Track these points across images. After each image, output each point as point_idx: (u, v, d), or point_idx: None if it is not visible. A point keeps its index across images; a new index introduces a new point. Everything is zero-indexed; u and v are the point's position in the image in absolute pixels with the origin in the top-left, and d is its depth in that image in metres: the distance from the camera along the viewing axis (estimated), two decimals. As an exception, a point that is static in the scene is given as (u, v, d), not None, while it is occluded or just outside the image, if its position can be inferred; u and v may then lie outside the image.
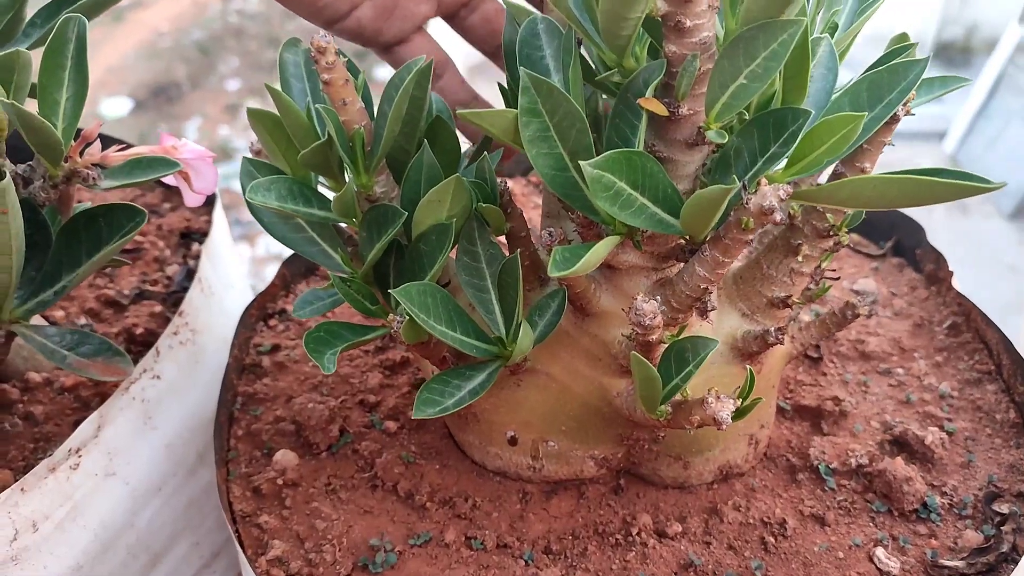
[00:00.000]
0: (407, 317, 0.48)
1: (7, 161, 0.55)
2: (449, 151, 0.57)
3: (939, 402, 0.66)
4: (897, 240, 0.82)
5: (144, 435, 0.64)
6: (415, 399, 0.50)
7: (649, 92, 0.44)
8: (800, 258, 0.53)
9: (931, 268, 0.77)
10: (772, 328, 0.53)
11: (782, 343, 0.54)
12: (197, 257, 0.82)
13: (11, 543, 0.55)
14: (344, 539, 0.57)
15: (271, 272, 0.93)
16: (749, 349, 0.55)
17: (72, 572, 0.60)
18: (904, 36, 0.52)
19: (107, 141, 0.66)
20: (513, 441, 0.60)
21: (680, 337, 0.49)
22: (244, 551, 0.56)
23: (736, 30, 0.44)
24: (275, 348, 0.73)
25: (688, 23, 0.41)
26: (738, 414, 0.47)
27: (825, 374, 0.70)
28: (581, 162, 0.42)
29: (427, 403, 0.50)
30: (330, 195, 0.54)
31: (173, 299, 0.78)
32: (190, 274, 0.80)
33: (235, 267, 0.81)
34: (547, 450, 0.60)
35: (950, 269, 0.74)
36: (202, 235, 0.84)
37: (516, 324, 0.51)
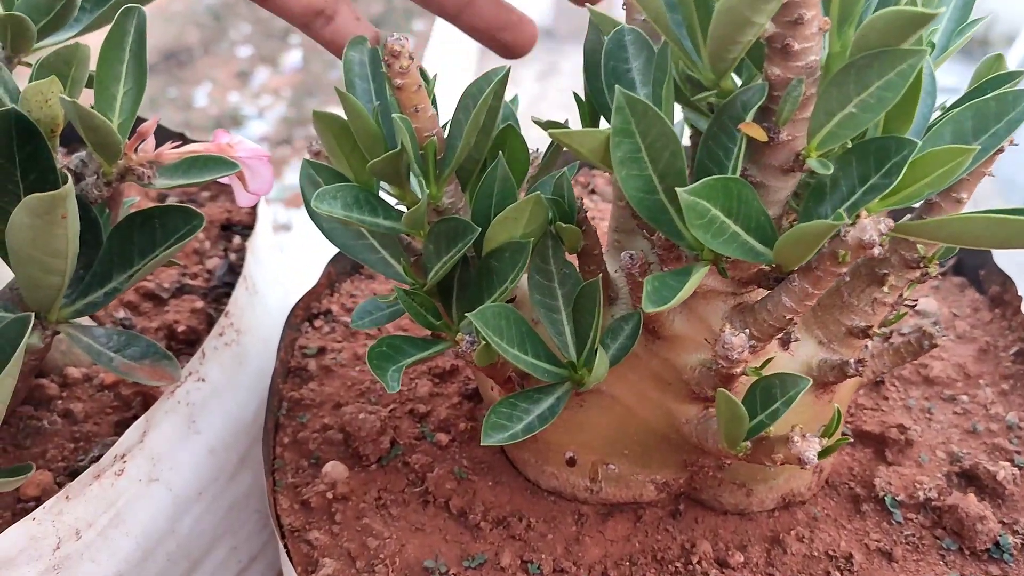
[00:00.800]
0: (482, 341, 0.46)
1: (60, 156, 0.53)
2: (519, 160, 0.54)
3: (1007, 433, 0.64)
4: (959, 259, 0.80)
5: (188, 440, 0.62)
6: (483, 424, 0.48)
7: (749, 116, 0.41)
8: (886, 288, 0.51)
9: (996, 290, 0.75)
10: (852, 360, 0.51)
11: (862, 376, 0.52)
12: (238, 251, 0.80)
13: (54, 551, 0.54)
14: (397, 559, 0.55)
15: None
16: (825, 379, 0.53)
17: (112, 579, 0.59)
18: (999, 59, 0.50)
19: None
20: (571, 462, 0.58)
21: (763, 370, 0.47)
22: (294, 568, 0.54)
23: (842, 53, 0.41)
24: (321, 351, 0.71)
25: (796, 46, 0.39)
26: (822, 453, 0.45)
27: (887, 398, 0.67)
28: (678, 189, 0.40)
29: (496, 428, 0.48)
30: (391, 200, 0.52)
31: (214, 294, 0.76)
32: (231, 268, 0.78)
33: (276, 262, 0.79)
34: (607, 473, 0.58)
35: (1020, 294, 0.72)
36: (243, 228, 0.82)
37: (590, 349, 0.49)
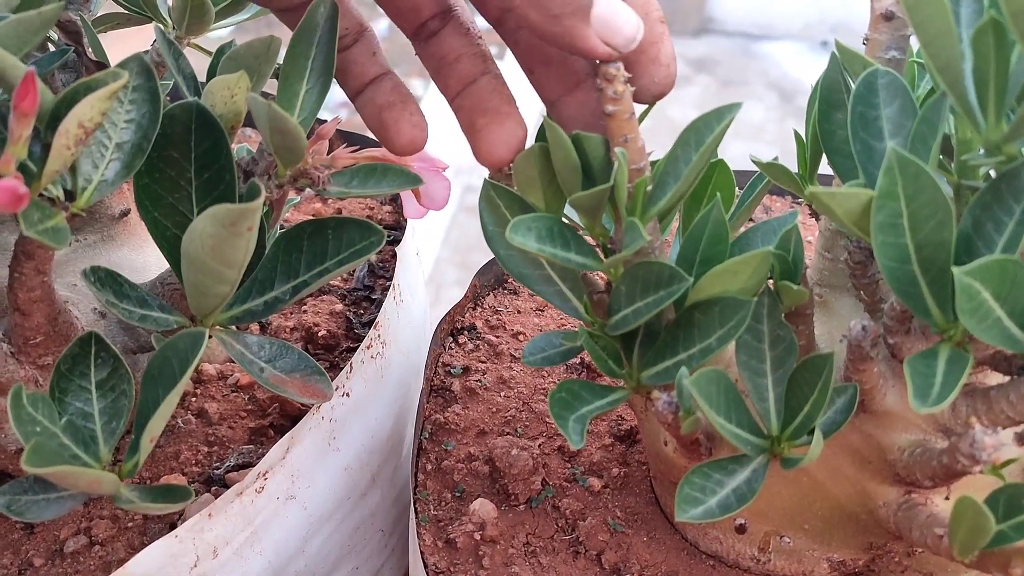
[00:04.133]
0: (694, 410, 0.41)
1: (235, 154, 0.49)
2: (727, 200, 0.50)
3: None
4: None
5: (327, 457, 0.59)
6: (676, 495, 0.43)
7: (1040, 190, 0.36)
8: None
9: None
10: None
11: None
12: (379, 252, 0.76)
13: (191, 569, 0.51)
14: (548, 617, 0.51)
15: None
16: (1051, 476, 0.47)
17: (240, 597, 0.56)
18: None
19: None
20: (741, 529, 0.53)
21: (1004, 473, 0.42)
22: (439, 616, 0.51)
23: None
24: (466, 370, 0.67)
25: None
26: (1069, 574, 0.40)
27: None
28: (955, 269, 0.35)
29: (690, 501, 0.43)
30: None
31: (353, 297, 0.72)
32: (372, 271, 0.74)
33: (417, 268, 0.76)
34: (779, 545, 0.53)
35: None
36: (386, 227, 0.79)
37: (800, 425, 0.44)
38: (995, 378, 0.45)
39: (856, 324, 0.42)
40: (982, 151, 0.39)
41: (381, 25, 3.06)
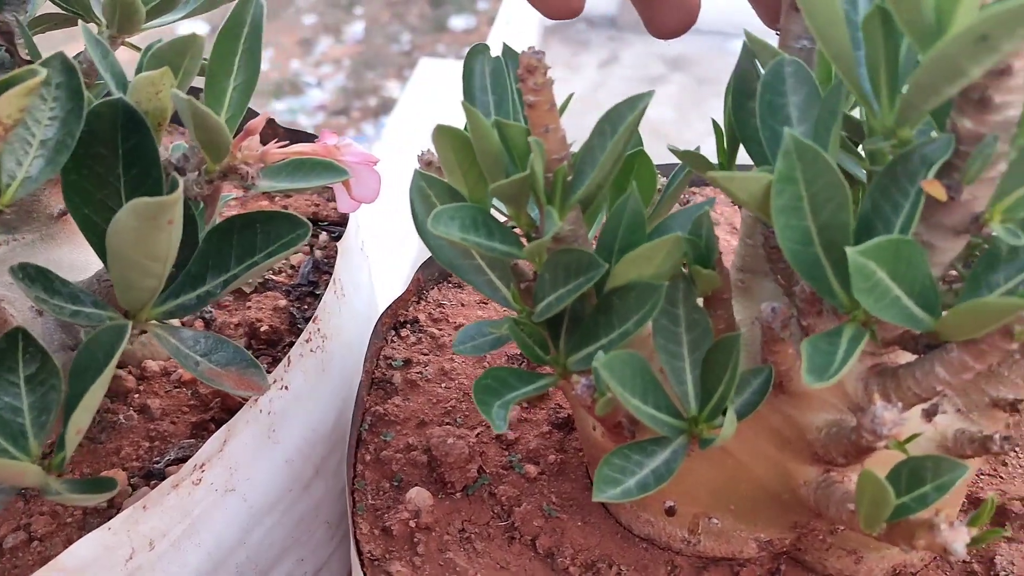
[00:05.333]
0: (607, 393, 0.42)
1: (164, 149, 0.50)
2: (647, 190, 0.51)
3: None
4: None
5: (266, 449, 0.59)
6: (595, 476, 0.44)
7: (931, 172, 0.37)
8: (1046, 363, 0.47)
9: None
10: (998, 435, 0.47)
11: (1006, 454, 0.47)
12: (324, 248, 0.77)
13: (127, 562, 0.51)
14: (481, 601, 0.52)
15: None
16: (961, 452, 0.49)
17: (181, 590, 0.56)
18: None
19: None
20: (671, 512, 0.54)
21: (910, 445, 0.43)
22: (373, 602, 0.51)
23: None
24: (407, 363, 0.68)
25: (997, 99, 0.35)
26: (972, 543, 0.41)
27: (1006, 464, 0.63)
28: (848, 249, 0.36)
29: (608, 482, 0.44)
30: (501, 219, 0.49)
31: (297, 293, 0.73)
32: (316, 266, 0.75)
33: (362, 263, 0.76)
34: (708, 526, 0.54)
35: None
36: (331, 224, 0.79)
37: (716, 406, 0.45)
38: (906, 358, 0.47)
39: (766, 307, 0.43)
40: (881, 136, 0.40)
41: (356, 28, 3.07)
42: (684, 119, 2.51)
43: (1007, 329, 0.38)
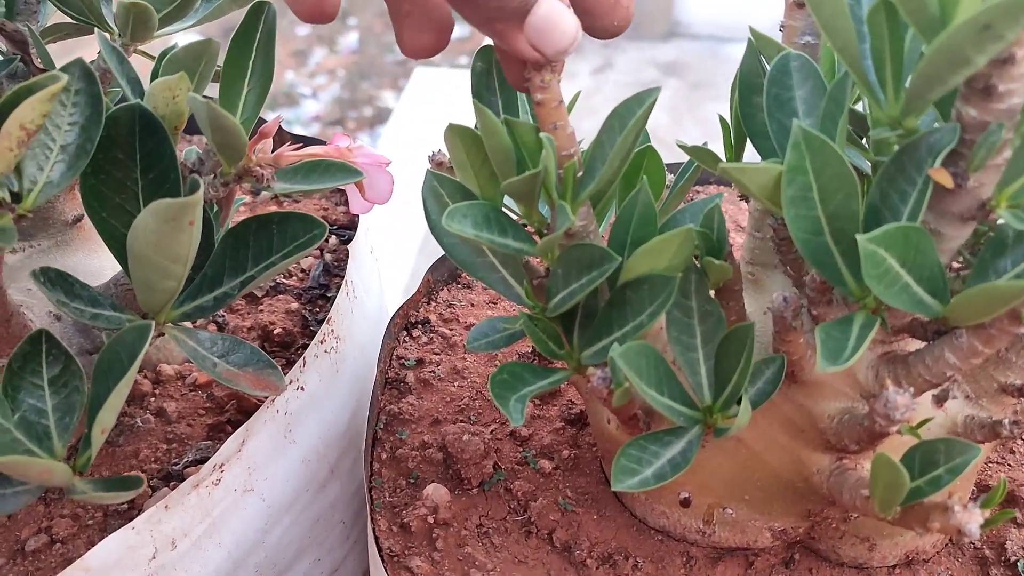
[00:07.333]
0: (624, 383, 0.43)
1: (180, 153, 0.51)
2: (656, 184, 0.52)
3: None
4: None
5: (283, 449, 0.60)
6: (612, 467, 0.45)
7: (938, 161, 0.38)
8: (1053, 347, 0.47)
9: None
10: (1007, 420, 0.47)
11: (1015, 439, 0.48)
12: (334, 251, 0.77)
13: (150, 561, 0.52)
14: (500, 594, 0.53)
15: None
16: (971, 437, 0.49)
17: (201, 589, 0.57)
18: None
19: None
20: (686, 503, 0.55)
21: (920, 431, 0.44)
22: (394, 597, 0.52)
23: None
24: (420, 362, 0.68)
25: (1001, 87, 0.36)
26: (984, 526, 0.42)
27: (1014, 452, 0.63)
28: (858, 236, 0.37)
29: (626, 472, 0.45)
30: (513, 217, 0.50)
31: (308, 295, 0.74)
32: (326, 269, 0.76)
33: (372, 265, 0.77)
34: (722, 517, 0.55)
35: None
36: (341, 227, 0.80)
37: (730, 395, 0.46)
38: (915, 345, 0.48)
39: (778, 296, 0.44)
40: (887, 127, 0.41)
41: (351, 38, 3.07)
42: (678, 124, 2.52)
43: (1015, 313, 0.39)
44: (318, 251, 0.78)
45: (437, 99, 2.45)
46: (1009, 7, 0.31)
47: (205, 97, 0.54)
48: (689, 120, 2.56)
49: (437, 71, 2.63)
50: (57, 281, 0.49)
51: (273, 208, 0.83)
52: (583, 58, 2.96)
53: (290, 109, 2.68)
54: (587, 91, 2.78)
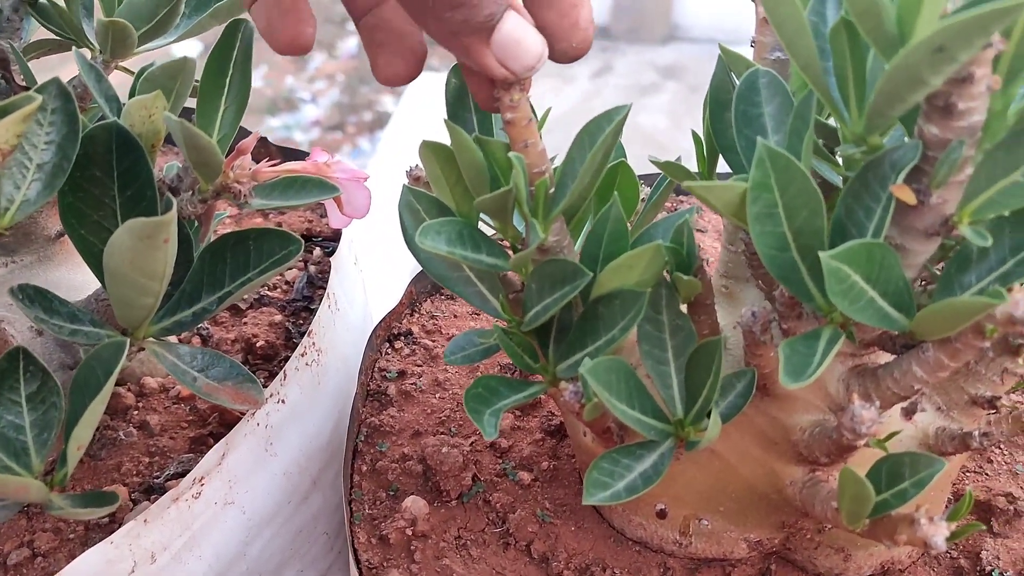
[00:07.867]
0: (593, 398, 0.43)
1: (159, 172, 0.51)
2: (629, 199, 0.52)
3: (1123, 508, 0.60)
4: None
5: (264, 462, 0.60)
6: (584, 480, 0.45)
7: (900, 177, 0.39)
8: (1021, 360, 0.48)
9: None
10: (977, 432, 0.48)
11: (985, 450, 0.49)
12: (318, 263, 0.78)
13: (129, 575, 0.52)
14: (477, 606, 0.53)
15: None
16: (942, 448, 0.50)
17: (182, 602, 0.57)
18: None
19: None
20: (662, 514, 0.56)
21: (887, 444, 0.44)
22: (372, 609, 0.52)
23: (1002, 113, 0.38)
24: (401, 374, 0.69)
25: (961, 105, 0.36)
26: (951, 538, 0.42)
27: (991, 461, 0.64)
28: (821, 254, 0.37)
29: (598, 485, 0.45)
30: (488, 232, 0.50)
31: (292, 308, 0.74)
32: (310, 281, 0.76)
33: (356, 277, 0.78)
34: (698, 528, 0.55)
35: None
36: (324, 239, 0.80)
37: (701, 408, 0.46)
38: (886, 358, 0.48)
39: (746, 311, 0.44)
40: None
41: (350, 43, 3.08)
42: (678, 127, 2.52)
43: (979, 327, 0.39)
44: (302, 263, 0.78)
45: (437, 104, 2.44)
46: (961, 30, 0.31)
47: (185, 109, 0.54)
48: (688, 123, 2.56)
49: (436, 76, 2.63)
50: (36, 298, 0.50)
51: (259, 220, 0.84)
52: (582, 61, 2.97)
53: (290, 114, 2.69)
54: (586, 94, 2.79)
